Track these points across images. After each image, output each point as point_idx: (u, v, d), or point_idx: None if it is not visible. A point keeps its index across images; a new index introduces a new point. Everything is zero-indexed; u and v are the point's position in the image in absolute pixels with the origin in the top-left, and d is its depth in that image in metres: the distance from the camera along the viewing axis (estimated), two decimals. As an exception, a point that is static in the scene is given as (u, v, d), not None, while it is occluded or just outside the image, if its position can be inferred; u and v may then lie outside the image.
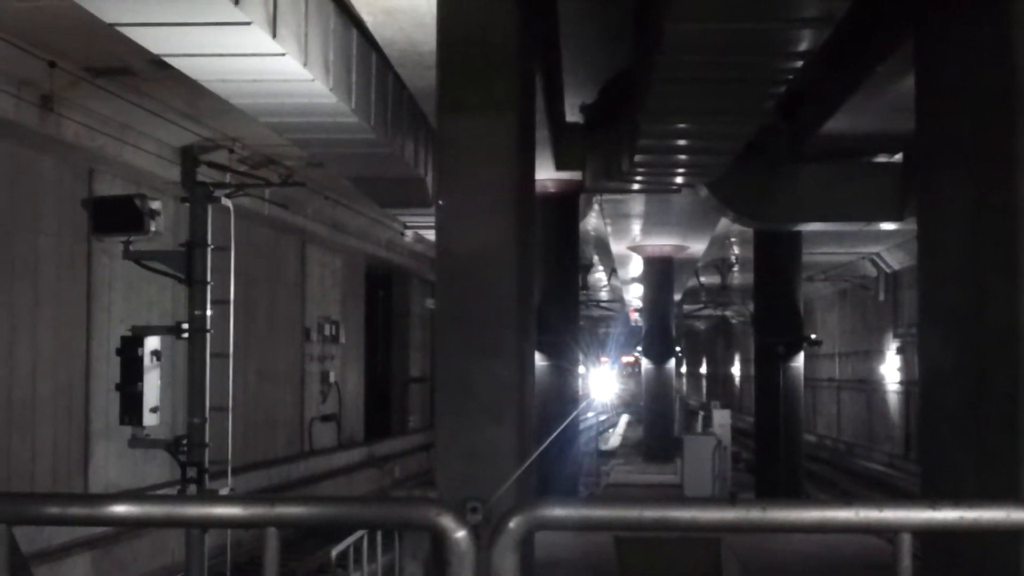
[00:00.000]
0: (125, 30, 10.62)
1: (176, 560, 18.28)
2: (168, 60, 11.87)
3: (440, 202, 10.68)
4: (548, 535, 14.31)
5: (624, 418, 61.61)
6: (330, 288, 31.53)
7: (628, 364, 73.01)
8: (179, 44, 11.13)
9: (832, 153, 20.53)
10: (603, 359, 62.73)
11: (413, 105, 18.09)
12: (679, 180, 20.69)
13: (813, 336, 29.92)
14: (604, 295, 52.37)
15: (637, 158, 17.75)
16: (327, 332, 30.50)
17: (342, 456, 30.96)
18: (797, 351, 25.34)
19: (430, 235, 26.07)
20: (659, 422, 36.15)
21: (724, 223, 27.54)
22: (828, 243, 31.81)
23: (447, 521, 2.83)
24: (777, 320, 25.28)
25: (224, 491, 12.10)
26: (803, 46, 11.93)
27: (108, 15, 10.26)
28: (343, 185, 22.73)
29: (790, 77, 13.13)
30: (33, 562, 14.93)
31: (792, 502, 3.05)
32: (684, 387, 77.98)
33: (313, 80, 12.47)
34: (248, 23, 10.35)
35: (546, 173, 20.65)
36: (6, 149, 16.69)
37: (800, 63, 12.50)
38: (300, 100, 13.38)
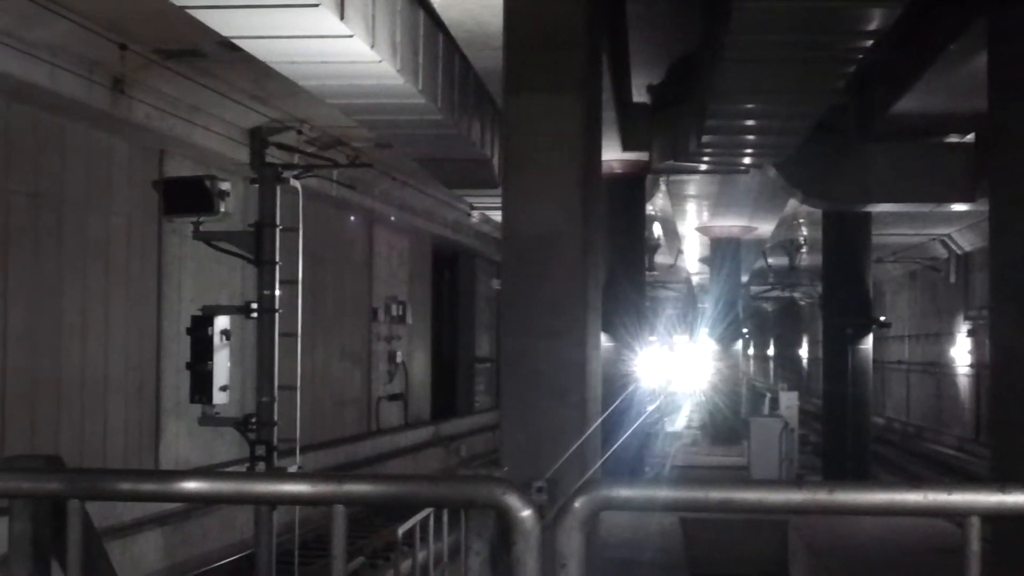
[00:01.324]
0: (195, 12, 10.70)
1: (245, 537, 18.50)
2: (237, 42, 11.96)
3: (506, 183, 10.69)
4: (614, 515, 14.33)
5: (691, 399, 61.37)
6: (397, 268, 31.67)
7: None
8: (248, 26, 11.20)
9: (902, 133, 20.30)
10: (674, 338, 62.32)
11: (480, 86, 18.10)
12: (747, 160, 20.56)
13: (882, 318, 29.64)
14: (670, 276, 52.15)
15: (704, 138, 17.66)
16: (394, 312, 30.66)
17: (408, 435, 31.13)
18: (866, 333, 25.11)
19: (496, 216, 26.09)
20: (726, 404, 35.99)
21: (792, 203, 27.32)
22: (898, 224, 31.43)
23: (513, 500, 2.84)
24: (846, 302, 25.08)
25: (292, 469, 12.23)
26: (874, 24, 11.79)
27: (178, -2, 10.36)
28: (410, 166, 22.80)
29: (860, 56, 12.99)
30: (105, 538, 15.17)
31: (860, 484, 3.04)
32: (751, 369, 77.52)
33: (380, 61, 12.50)
34: (316, 4, 10.39)
35: (612, 154, 20.59)
36: (79, 130, 16.91)
37: (870, 42, 12.36)
38: (367, 81, 13.43)
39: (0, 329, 15.43)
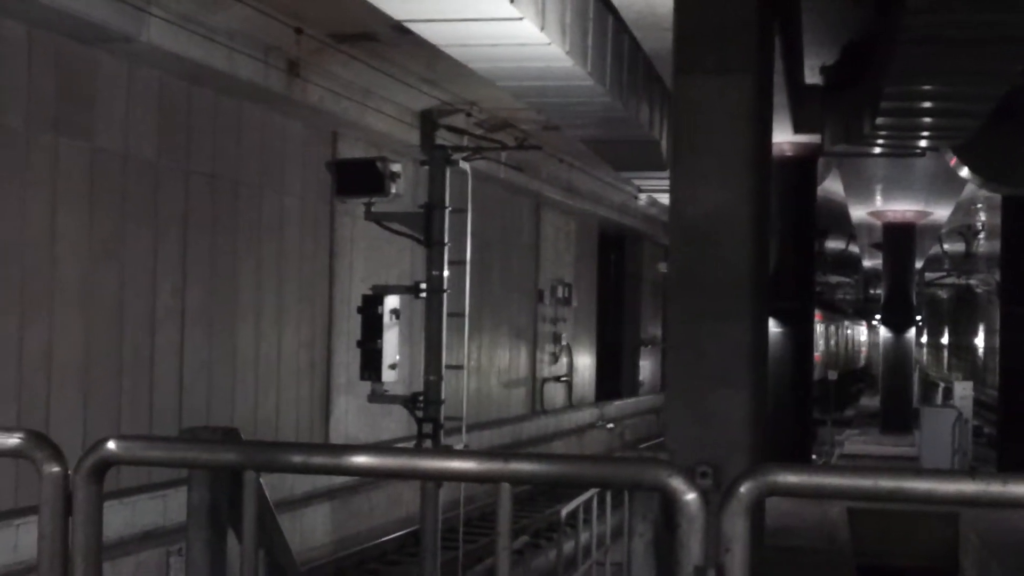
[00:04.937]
0: (369, -4, 10.88)
1: (410, 513, 18.80)
2: (409, 25, 12.11)
3: (674, 165, 10.63)
4: (780, 503, 14.15)
5: (859, 386, 60.15)
6: (563, 251, 31.75)
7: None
8: (420, 9, 11.34)
9: (1088, 116, 19.53)
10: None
11: (649, 67, 18.01)
12: (923, 144, 20.06)
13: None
14: (841, 261, 51.23)
15: (879, 121, 17.27)
16: (560, 294, 30.75)
17: (572, 416, 31.24)
18: (1046, 322, 24.29)
19: (664, 199, 25.94)
20: (897, 392, 35.21)
21: (970, 188, 26.56)
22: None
23: (677, 483, 2.84)
24: (1025, 290, 24.29)
25: (459, 447, 12.39)
26: (1059, 3, 11.38)
27: (352, -18, 10.55)
28: (577, 148, 22.81)
29: (1044, 36, 12.55)
30: (277, 510, 15.58)
31: (1036, 477, 2.94)
32: (924, 357, 75.71)
33: (550, 44, 12.53)
34: (487, -12, 10.48)
35: (783, 136, 20.27)
36: (256, 113, 17.35)
37: (1055, 21, 11.93)
38: (537, 64, 13.47)
39: (179, 307, 15.94)
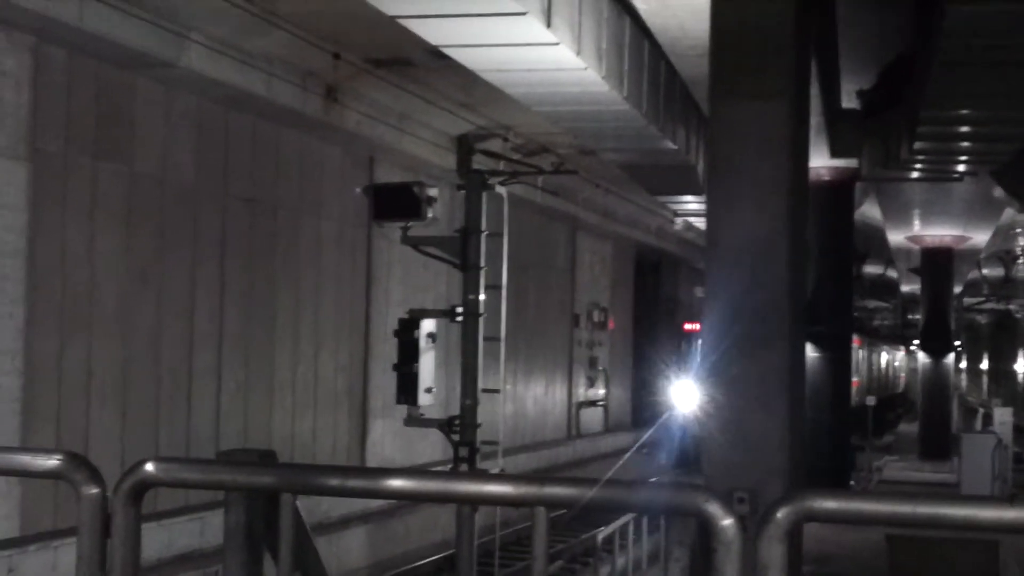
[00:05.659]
0: (405, 22, 10.95)
1: (446, 537, 18.77)
2: (446, 51, 12.18)
3: (711, 189, 10.61)
4: (817, 528, 14.06)
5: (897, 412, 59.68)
6: (599, 275, 31.73)
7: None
8: (457, 35, 11.40)
9: None
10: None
11: (684, 92, 18.01)
12: (961, 168, 19.97)
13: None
14: (879, 286, 50.94)
15: (917, 145, 17.22)
16: (596, 318, 30.71)
17: (608, 440, 31.13)
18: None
19: (700, 223, 25.90)
20: (936, 418, 34.94)
21: (1009, 212, 26.41)
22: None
23: (714, 508, 2.83)
24: (1065, 315, 24.10)
25: (495, 470, 12.37)
26: (1098, 26, 11.32)
27: (390, 8, 10.61)
28: (613, 173, 22.82)
29: (1083, 59, 12.48)
30: (313, 533, 15.59)
31: (1077, 504, 2.91)
32: (963, 383, 75.08)
33: (586, 68, 12.56)
34: (523, 13, 10.51)
35: (820, 160, 20.22)
36: (293, 137, 17.44)
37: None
38: (573, 89, 13.50)
39: (216, 330, 16.02)
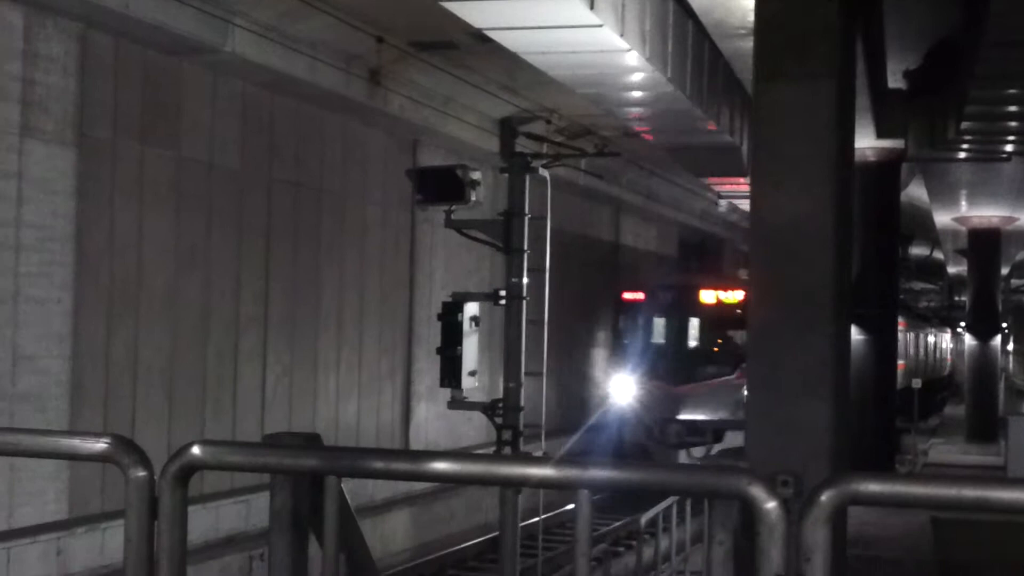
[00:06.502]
0: (449, 5, 10.94)
1: (489, 519, 18.84)
2: (489, 33, 12.16)
3: (755, 171, 10.56)
4: (862, 512, 14.00)
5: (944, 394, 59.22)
6: (643, 257, 31.65)
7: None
8: (500, 17, 11.38)
9: None
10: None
11: (729, 73, 17.91)
12: (1009, 148, 19.75)
13: None
14: (925, 267, 50.54)
15: (964, 125, 17.06)
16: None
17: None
18: None
19: (744, 205, 25.77)
20: (982, 401, 34.65)
21: (1058, 193, 26.10)
22: None
23: (757, 491, 2.82)
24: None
25: (538, 453, 12.39)
26: None
27: (433, -9, 10.62)
28: (657, 155, 22.74)
29: None
30: (358, 515, 15.68)
31: (1125, 487, 2.89)
32: (1010, 365, 74.39)
33: (630, 50, 12.51)
34: (566, -5, 10.49)
35: (866, 141, 20.04)
36: (338, 121, 17.49)
37: None
38: (616, 71, 13.46)
39: (261, 313, 16.12)
